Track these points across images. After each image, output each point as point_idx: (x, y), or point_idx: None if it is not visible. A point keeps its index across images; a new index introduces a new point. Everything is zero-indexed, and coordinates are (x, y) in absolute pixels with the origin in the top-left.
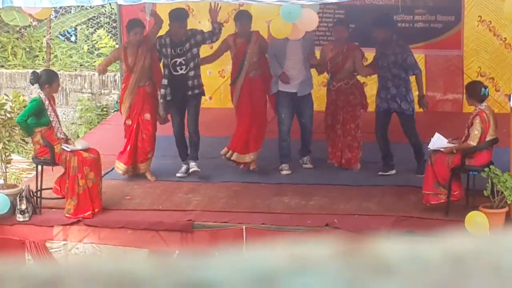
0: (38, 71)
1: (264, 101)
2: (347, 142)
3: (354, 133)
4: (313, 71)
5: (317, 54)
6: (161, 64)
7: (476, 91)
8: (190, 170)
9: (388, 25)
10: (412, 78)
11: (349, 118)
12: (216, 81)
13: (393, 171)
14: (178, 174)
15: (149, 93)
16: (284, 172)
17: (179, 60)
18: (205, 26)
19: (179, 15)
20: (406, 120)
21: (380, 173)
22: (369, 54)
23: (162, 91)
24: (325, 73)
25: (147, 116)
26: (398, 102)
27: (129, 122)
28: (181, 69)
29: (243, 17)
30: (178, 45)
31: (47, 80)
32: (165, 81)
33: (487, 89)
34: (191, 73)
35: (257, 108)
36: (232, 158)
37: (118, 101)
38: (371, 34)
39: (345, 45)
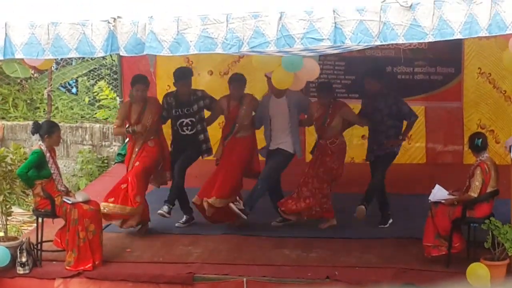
0: (39, 121)
1: (243, 158)
2: (318, 198)
3: (326, 192)
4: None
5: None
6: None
7: (471, 142)
8: (159, 211)
9: (381, 78)
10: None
11: (323, 177)
12: (217, 133)
13: (390, 220)
14: (177, 224)
15: (149, 147)
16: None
17: (185, 120)
18: (205, 78)
19: (182, 74)
20: (386, 158)
21: (380, 226)
22: None
23: (170, 149)
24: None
25: (137, 163)
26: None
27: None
28: (187, 129)
29: (236, 81)
30: (185, 105)
31: (47, 130)
32: (173, 141)
33: (480, 139)
34: (201, 136)
35: (235, 162)
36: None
37: (126, 154)
38: (363, 85)
39: (330, 104)
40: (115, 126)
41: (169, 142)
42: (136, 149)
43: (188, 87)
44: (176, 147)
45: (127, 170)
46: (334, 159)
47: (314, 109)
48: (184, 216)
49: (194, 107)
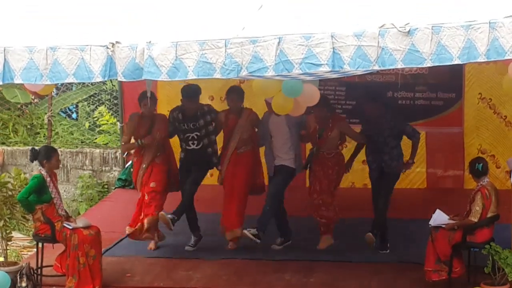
0: (37, 148)
1: (249, 176)
2: (323, 210)
3: (329, 203)
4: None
5: None
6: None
7: (471, 167)
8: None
9: (380, 100)
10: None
11: (324, 190)
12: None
13: (387, 251)
14: (187, 248)
15: (157, 163)
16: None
17: (191, 135)
18: (205, 101)
19: (191, 91)
20: (390, 177)
21: (382, 251)
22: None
23: (179, 164)
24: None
25: (152, 184)
26: (389, 164)
27: (140, 195)
28: (193, 143)
29: (233, 93)
30: (191, 120)
31: (45, 155)
32: (181, 154)
33: (481, 164)
34: (209, 150)
35: (238, 183)
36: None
37: (132, 171)
38: (363, 111)
39: (329, 117)
40: (123, 143)
41: (177, 156)
42: (144, 165)
43: (196, 104)
44: (184, 162)
45: (135, 184)
46: (335, 172)
47: (311, 122)
48: (193, 238)
49: (200, 121)
